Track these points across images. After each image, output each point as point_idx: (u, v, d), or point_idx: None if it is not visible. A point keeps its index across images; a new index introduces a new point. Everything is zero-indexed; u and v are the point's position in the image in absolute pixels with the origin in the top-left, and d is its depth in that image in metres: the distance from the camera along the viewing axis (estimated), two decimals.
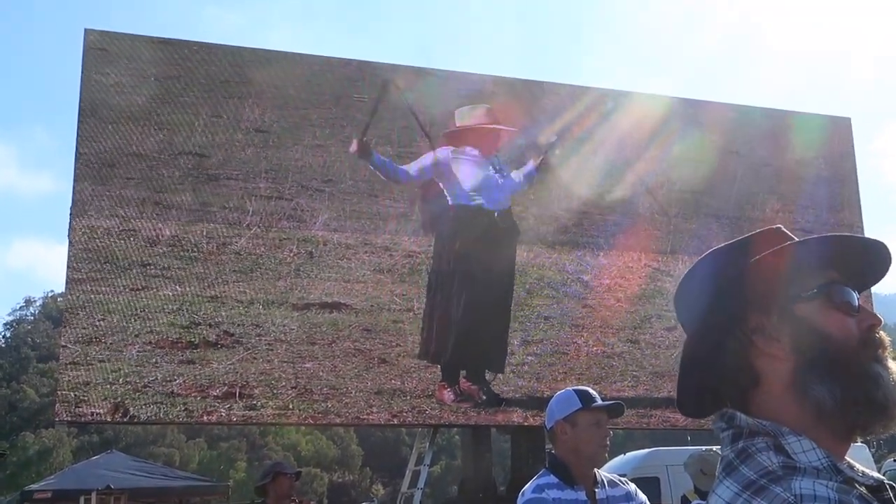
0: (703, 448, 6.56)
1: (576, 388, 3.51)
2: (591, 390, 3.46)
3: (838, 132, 12.05)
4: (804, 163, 11.66)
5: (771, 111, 12.09)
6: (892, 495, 1.21)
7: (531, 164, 9.88)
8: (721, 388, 1.31)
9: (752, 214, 11.04)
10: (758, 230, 1.36)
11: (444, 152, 9.52)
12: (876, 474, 1.22)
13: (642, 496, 3.48)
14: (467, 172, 9.45)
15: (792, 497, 1.12)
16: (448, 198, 9.46)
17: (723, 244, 1.37)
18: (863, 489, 1.17)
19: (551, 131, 10.07)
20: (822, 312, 1.25)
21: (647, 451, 13.46)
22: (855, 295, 1.29)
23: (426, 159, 9.49)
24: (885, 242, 1.29)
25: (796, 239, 1.29)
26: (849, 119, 12.30)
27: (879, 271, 1.33)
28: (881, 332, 1.27)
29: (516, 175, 9.82)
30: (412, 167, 9.48)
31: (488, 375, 9.45)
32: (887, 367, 1.23)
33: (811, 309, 1.26)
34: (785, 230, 1.33)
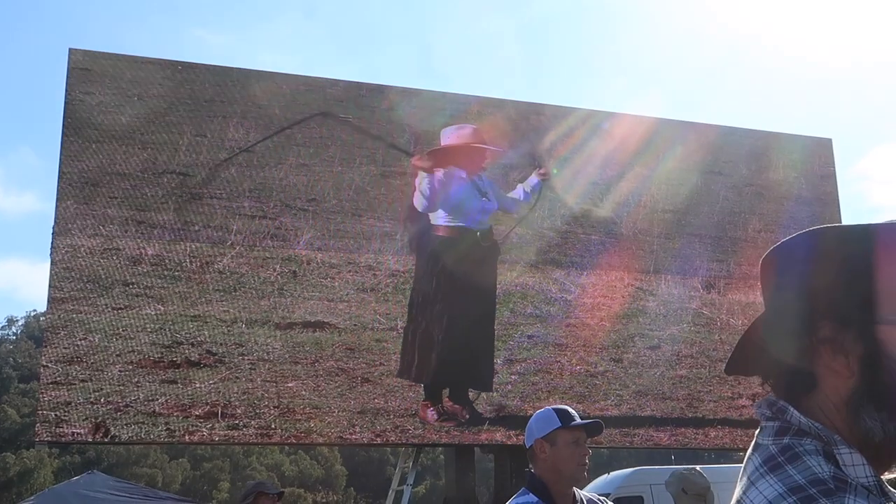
0: (685, 467, 6.56)
1: (555, 406, 3.53)
2: (570, 409, 3.47)
3: (820, 153, 12.15)
4: (786, 183, 11.75)
5: (753, 132, 12.18)
6: None
7: (535, 178, 9.93)
8: (773, 373, 1.23)
9: (735, 234, 11.11)
10: (886, 220, 1.20)
11: (436, 173, 9.53)
12: None
13: None
14: (451, 192, 9.47)
15: None
16: (430, 217, 9.47)
17: (833, 226, 1.25)
18: None
19: (546, 153, 10.09)
20: None
21: (630, 470, 13.47)
22: None
23: (426, 184, 9.46)
24: None
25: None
26: (830, 140, 12.41)
27: None
28: None
29: (518, 191, 9.86)
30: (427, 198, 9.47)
31: (472, 394, 9.45)
32: None
33: (892, 334, 1.14)
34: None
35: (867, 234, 1.18)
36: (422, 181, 9.46)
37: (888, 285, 1.14)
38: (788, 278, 1.21)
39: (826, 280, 1.16)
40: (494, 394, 9.50)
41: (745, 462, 1.22)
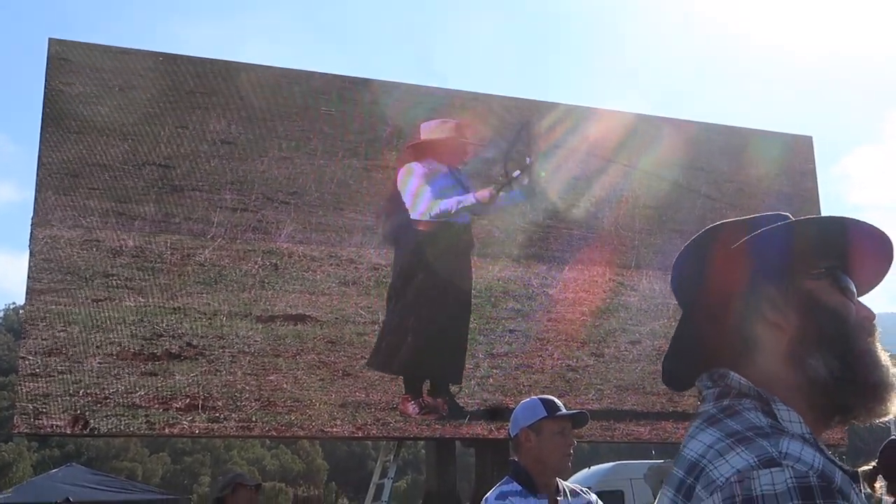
0: (664, 460, 6.60)
1: (541, 396, 3.54)
2: (556, 399, 3.48)
3: (800, 150, 12.23)
4: (766, 179, 11.81)
5: (734, 129, 12.23)
6: (861, 488, 1.23)
7: (517, 192, 9.74)
8: (713, 354, 1.32)
9: None
10: (770, 212, 1.39)
11: (413, 167, 9.51)
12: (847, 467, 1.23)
13: None
14: (430, 186, 9.46)
15: (777, 452, 1.13)
16: (409, 211, 9.46)
17: (734, 219, 1.40)
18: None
19: (524, 159, 9.93)
20: (828, 291, 1.29)
21: (611, 464, 13.53)
22: (853, 285, 1.32)
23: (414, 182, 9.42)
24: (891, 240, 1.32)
25: (807, 217, 1.32)
26: (810, 138, 12.48)
27: (882, 271, 1.36)
28: (875, 324, 1.30)
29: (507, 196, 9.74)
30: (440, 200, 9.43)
31: (452, 388, 9.46)
32: (881, 352, 1.27)
33: (819, 286, 1.29)
34: (790, 216, 1.36)
35: (784, 217, 1.34)
36: (408, 176, 9.45)
37: (810, 245, 1.30)
38: (712, 259, 1.33)
39: (761, 247, 1.27)
40: (476, 387, 9.51)
41: (687, 430, 1.31)
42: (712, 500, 1.13)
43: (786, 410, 1.22)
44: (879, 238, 1.31)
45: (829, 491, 1.10)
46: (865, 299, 1.35)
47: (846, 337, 1.26)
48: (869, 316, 1.30)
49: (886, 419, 1.28)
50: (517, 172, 9.73)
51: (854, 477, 1.20)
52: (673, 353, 1.38)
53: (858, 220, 1.30)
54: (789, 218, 1.35)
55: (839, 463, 1.19)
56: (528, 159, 9.77)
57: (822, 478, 1.11)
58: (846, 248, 1.31)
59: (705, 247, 1.37)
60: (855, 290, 1.32)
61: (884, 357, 1.27)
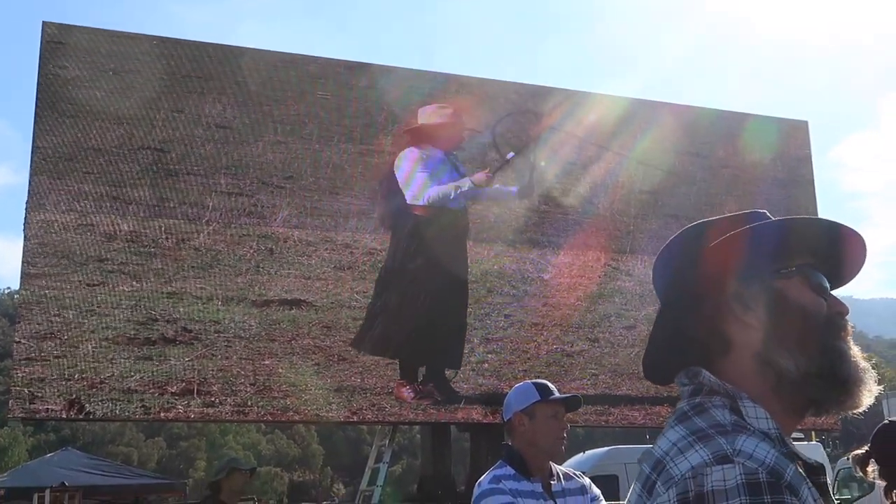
0: None
1: (534, 380, 3.54)
2: (549, 384, 3.49)
3: (796, 135, 12.22)
4: (762, 165, 11.81)
5: (730, 113, 12.22)
6: (826, 480, 1.26)
7: (514, 189, 9.84)
8: (688, 351, 1.36)
9: (711, 215, 11.04)
10: (745, 210, 1.42)
11: (410, 152, 9.52)
12: (816, 459, 1.27)
13: (596, 490, 3.51)
14: (426, 171, 9.46)
15: (731, 449, 1.17)
16: (406, 196, 9.46)
17: (710, 218, 1.44)
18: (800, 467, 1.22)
19: (508, 151, 9.93)
20: (798, 288, 1.32)
21: (605, 449, 13.57)
22: (826, 281, 1.35)
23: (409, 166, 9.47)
24: (864, 238, 1.34)
25: (778, 219, 1.35)
26: (806, 122, 12.47)
27: (853, 265, 1.39)
28: (847, 319, 1.33)
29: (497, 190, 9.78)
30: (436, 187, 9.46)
31: (448, 373, 9.47)
32: (851, 348, 1.30)
33: (789, 284, 1.32)
34: (768, 214, 1.39)
35: (760, 215, 1.38)
36: (404, 160, 9.45)
37: (776, 243, 1.33)
38: (686, 259, 1.37)
39: (731, 247, 1.31)
40: (471, 372, 9.52)
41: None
42: (668, 496, 1.18)
43: (752, 407, 1.25)
44: (849, 235, 1.34)
45: (776, 487, 1.13)
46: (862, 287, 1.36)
47: (815, 334, 1.29)
48: (841, 311, 1.33)
49: (858, 411, 1.32)
50: (511, 154, 9.74)
51: (814, 470, 1.24)
52: (651, 349, 1.42)
53: (830, 220, 1.34)
54: (766, 214, 1.38)
55: (803, 457, 1.23)
56: (510, 154, 9.77)
57: (772, 474, 1.14)
58: (818, 246, 1.34)
59: (681, 246, 1.40)
60: (828, 285, 1.35)
61: (854, 351, 1.30)
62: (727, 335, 1.32)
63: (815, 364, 1.26)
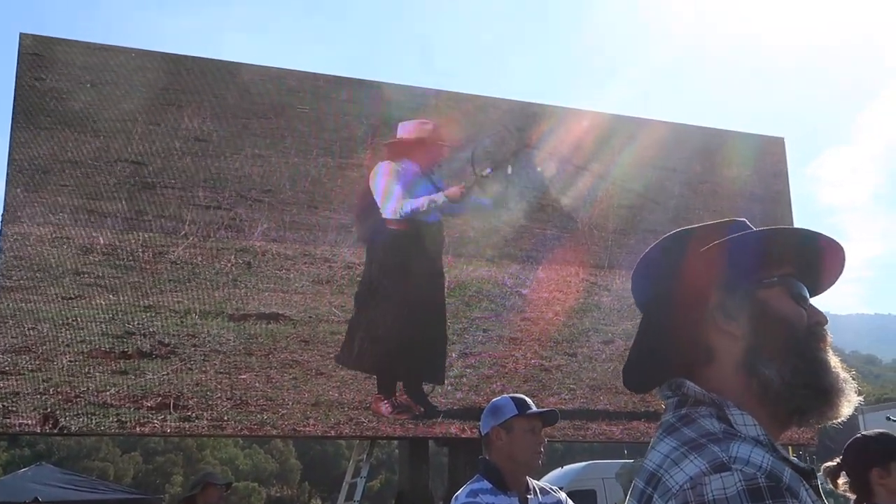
0: (635, 460, 6.64)
1: (511, 395, 3.56)
2: (526, 398, 3.50)
3: (772, 151, 12.32)
4: (739, 180, 11.89)
5: (707, 129, 12.31)
6: (818, 483, 1.27)
7: (487, 201, 9.92)
8: (671, 361, 1.36)
9: None
10: (725, 219, 1.43)
11: (385, 166, 9.54)
12: (807, 465, 1.27)
13: None
14: (400, 185, 9.46)
15: (727, 457, 1.17)
16: (382, 211, 9.46)
17: (690, 226, 1.44)
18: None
19: (487, 165, 9.97)
20: (779, 298, 1.32)
21: (583, 464, 13.58)
22: (806, 291, 1.36)
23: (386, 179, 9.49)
24: (843, 247, 1.36)
25: (760, 229, 1.36)
26: (782, 139, 12.58)
27: (832, 275, 1.40)
28: (826, 329, 1.34)
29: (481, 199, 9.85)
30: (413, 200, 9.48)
31: (426, 387, 9.45)
32: (832, 358, 1.31)
33: (771, 294, 1.33)
34: (748, 223, 1.40)
35: (741, 224, 1.40)
36: (378, 175, 9.46)
37: (757, 253, 1.34)
38: (668, 268, 1.37)
39: (713, 258, 1.31)
40: (449, 386, 9.51)
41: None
42: None
43: (739, 415, 1.26)
44: (830, 245, 1.35)
45: (777, 490, 1.14)
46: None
47: (797, 344, 1.30)
48: (821, 321, 1.34)
49: (838, 421, 1.32)
50: (488, 170, 9.77)
51: (808, 474, 1.24)
52: (632, 358, 1.41)
53: (809, 230, 1.35)
54: (746, 224, 1.39)
55: (794, 461, 1.23)
56: (487, 170, 9.80)
57: (771, 478, 1.15)
58: (798, 256, 1.35)
59: (662, 256, 1.41)
60: (808, 295, 1.36)
61: (834, 362, 1.31)
62: (709, 345, 1.32)
63: (798, 374, 1.27)
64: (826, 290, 1.42)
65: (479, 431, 3.50)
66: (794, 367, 1.27)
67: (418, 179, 9.50)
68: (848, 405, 1.30)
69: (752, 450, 1.18)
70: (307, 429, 8.96)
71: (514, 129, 10.61)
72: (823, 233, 1.34)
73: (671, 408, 1.34)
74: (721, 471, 1.15)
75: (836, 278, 1.41)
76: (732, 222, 1.40)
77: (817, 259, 1.37)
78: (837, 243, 1.35)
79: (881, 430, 3.19)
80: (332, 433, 9.22)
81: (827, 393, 1.28)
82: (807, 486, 1.21)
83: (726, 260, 1.31)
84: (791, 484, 1.16)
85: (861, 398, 1.34)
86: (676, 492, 1.17)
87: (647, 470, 1.27)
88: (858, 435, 3.21)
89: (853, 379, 1.32)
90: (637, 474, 1.30)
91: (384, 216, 9.44)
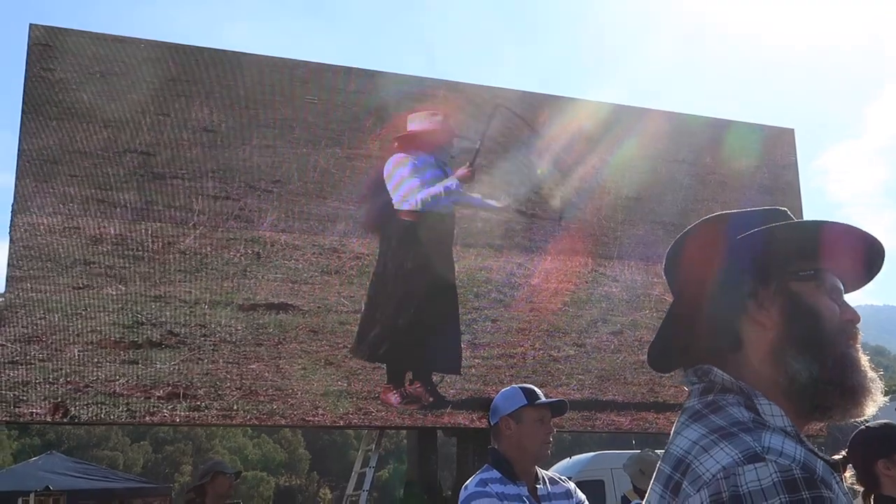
0: (642, 450, 6.64)
1: (521, 385, 3.57)
2: (535, 388, 3.52)
3: (782, 143, 12.27)
4: (748, 172, 11.85)
5: (716, 120, 12.27)
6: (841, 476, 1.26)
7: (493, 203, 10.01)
8: (699, 345, 1.35)
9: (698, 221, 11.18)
10: (765, 206, 1.42)
11: (398, 158, 9.55)
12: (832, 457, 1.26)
13: (581, 495, 3.53)
14: (419, 177, 9.47)
15: (760, 447, 1.15)
16: (395, 202, 9.47)
17: (729, 211, 1.42)
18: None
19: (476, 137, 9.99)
20: (814, 293, 1.31)
21: (591, 454, 13.57)
22: (842, 286, 1.34)
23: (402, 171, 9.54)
24: (882, 245, 1.34)
25: (799, 220, 1.35)
26: (792, 130, 12.52)
27: (868, 272, 1.38)
28: (858, 327, 1.32)
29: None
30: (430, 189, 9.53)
31: (435, 378, 9.47)
32: (862, 356, 1.30)
33: (805, 288, 1.31)
34: (789, 212, 1.38)
35: (782, 213, 1.38)
36: (391, 165, 9.48)
37: (798, 247, 1.32)
38: (706, 254, 1.35)
39: (750, 245, 1.30)
40: (458, 377, 9.52)
41: (674, 425, 1.33)
42: (699, 497, 1.16)
43: (767, 405, 1.24)
44: (869, 242, 1.33)
45: (812, 482, 1.12)
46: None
47: (827, 340, 1.28)
48: (853, 319, 1.32)
49: (862, 420, 1.31)
50: (478, 142, 9.83)
51: (834, 466, 1.23)
52: (660, 338, 1.40)
53: (850, 225, 1.32)
54: (787, 213, 1.37)
55: (819, 454, 1.22)
56: (478, 142, 9.84)
57: (805, 469, 1.13)
58: (835, 251, 1.32)
59: (698, 239, 1.39)
60: (843, 289, 1.34)
61: (863, 361, 1.29)
62: (739, 333, 1.31)
63: (826, 370, 1.26)
64: (861, 287, 1.40)
65: (489, 421, 3.52)
66: (823, 364, 1.26)
67: (431, 169, 9.51)
68: (873, 405, 1.29)
69: (784, 440, 1.17)
70: (316, 418, 8.99)
71: (522, 118, 10.58)
72: (862, 229, 1.32)
73: (696, 394, 1.33)
74: (755, 461, 1.14)
75: (873, 276, 1.39)
76: (773, 210, 1.39)
77: (854, 255, 1.35)
78: (876, 240, 1.33)
79: (885, 421, 3.18)
80: (342, 423, 9.24)
81: (854, 391, 1.27)
82: (837, 477, 1.20)
83: (763, 249, 1.30)
84: (824, 475, 1.15)
85: (886, 399, 1.33)
86: (708, 480, 1.16)
87: (673, 455, 1.25)
88: (863, 426, 3.21)
89: (880, 378, 1.31)
90: (663, 459, 1.28)
91: (398, 208, 9.45)
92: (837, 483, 1.18)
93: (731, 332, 1.32)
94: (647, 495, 1.32)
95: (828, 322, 1.29)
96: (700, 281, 1.34)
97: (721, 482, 1.14)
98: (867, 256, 1.36)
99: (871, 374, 1.29)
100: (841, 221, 1.32)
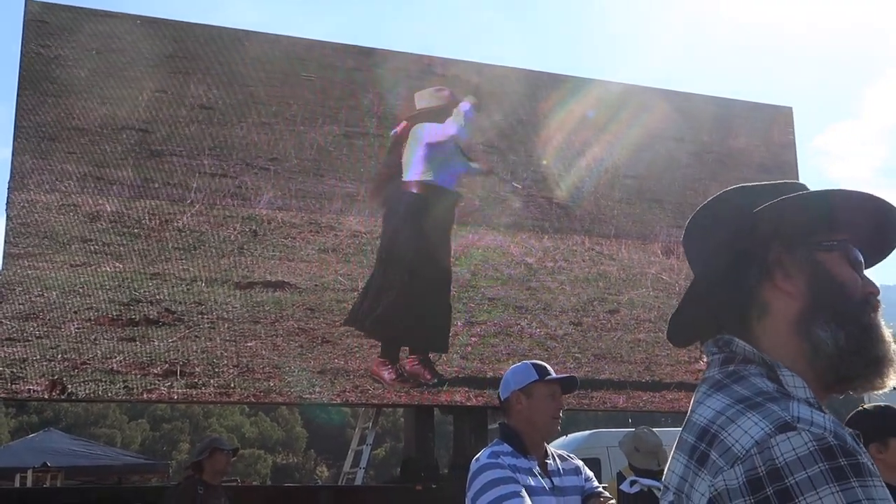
0: (637, 428, 6.68)
1: (531, 361, 3.61)
2: (546, 364, 3.56)
3: (780, 121, 12.26)
4: (747, 151, 11.85)
5: (715, 98, 12.25)
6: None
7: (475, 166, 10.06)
8: (722, 316, 1.35)
9: (695, 200, 11.16)
10: (788, 180, 1.43)
11: (408, 131, 9.59)
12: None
13: (589, 472, 3.58)
14: (426, 149, 9.48)
15: (789, 416, 1.15)
16: (405, 174, 9.48)
17: (753, 183, 1.42)
18: None
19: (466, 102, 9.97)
20: (838, 263, 1.31)
21: (588, 432, 13.63)
22: (862, 258, 1.35)
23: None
24: None
25: (825, 189, 1.34)
26: (790, 108, 12.51)
27: (889, 246, 1.39)
28: (879, 299, 1.33)
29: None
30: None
31: (432, 356, 9.48)
32: (884, 328, 1.30)
33: (830, 258, 1.31)
34: (807, 186, 1.38)
35: (801, 186, 1.38)
36: (402, 140, 9.52)
37: (827, 217, 1.32)
38: (729, 221, 1.35)
39: (778, 212, 1.29)
40: (454, 355, 9.54)
41: (694, 395, 1.32)
42: (734, 472, 1.14)
43: (790, 376, 1.24)
44: (891, 215, 1.33)
45: (846, 449, 1.12)
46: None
47: (853, 310, 1.29)
48: (874, 291, 1.33)
49: (882, 392, 1.32)
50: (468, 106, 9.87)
51: (856, 438, 1.21)
52: (681, 310, 1.40)
53: (877, 196, 1.32)
54: (805, 187, 1.37)
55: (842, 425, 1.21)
56: (468, 104, 9.86)
57: (838, 437, 1.13)
58: (861, 223, 1.33)
59: (721, 209, 1.40)
60: (864, 263, 1.35)
61: (887, 332, 1.30)
62: (764, 301, 1.32)
63: (852, 340, 1.26)
64: (881, 260, 1.41)
65: (499, 397, 3.56)
66: (849, 333, 1.26)
67: (451, 145, 9.56)
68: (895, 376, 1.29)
69: (812, 411, 1.16)
70: (313, 396, 9.01)
71: (522, 98, 10.56)
72: (887, 200, 1.32)
73: (716, 364, 1.32)
74: (786, 430, 1.13)
75: (892, 249, 1.39)
76: (793, 183, 1.39)
77: (879, 229, 1.35)
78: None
79: (879, 405, 3.19)
80: (338, 401, 9.27)
81: (878, 362, 1.27)
82: (862, 448, 1.19)
83: (791, 216, 1.31)
84: (855, 445, 1.15)
85: None
86: (742, 456, 1.14)
87: (697, 425, 1.24)
88: (860, 408, 3.22)
89: None
90: (685, 429, 1.27)
91: (406, 179, 9.46)
92: (864, 453, 1.17)
93: (757, 300, 1.32)
94: (668, 464, 1.31)
95: (852, 292, 1.30)
96: (726, 246, 1.34)
97: (755, 457, 1.12)
98: (888, 230, 1.36)
99: (894, 345, 1.30)
100: (866, 192, 1.32)
